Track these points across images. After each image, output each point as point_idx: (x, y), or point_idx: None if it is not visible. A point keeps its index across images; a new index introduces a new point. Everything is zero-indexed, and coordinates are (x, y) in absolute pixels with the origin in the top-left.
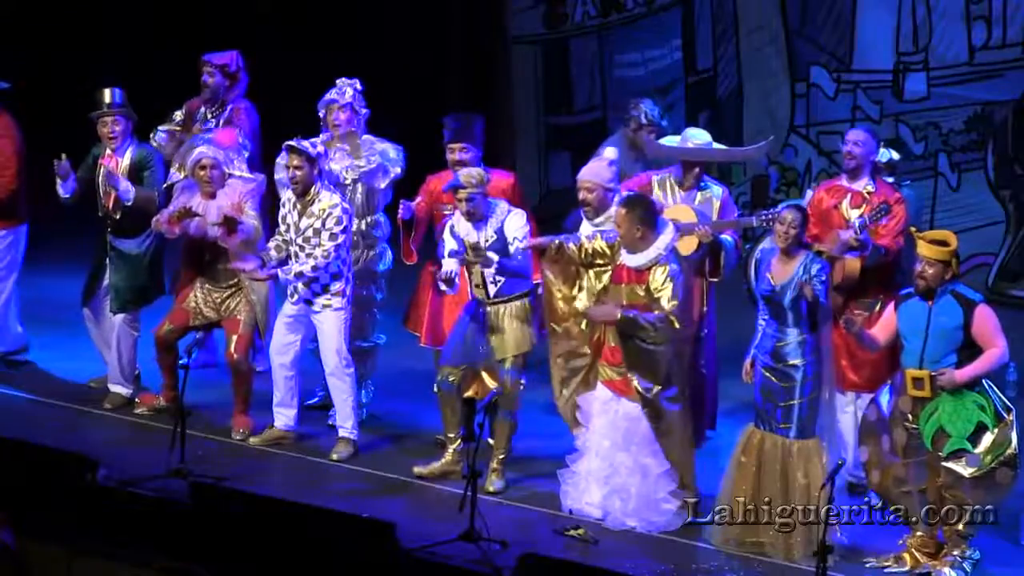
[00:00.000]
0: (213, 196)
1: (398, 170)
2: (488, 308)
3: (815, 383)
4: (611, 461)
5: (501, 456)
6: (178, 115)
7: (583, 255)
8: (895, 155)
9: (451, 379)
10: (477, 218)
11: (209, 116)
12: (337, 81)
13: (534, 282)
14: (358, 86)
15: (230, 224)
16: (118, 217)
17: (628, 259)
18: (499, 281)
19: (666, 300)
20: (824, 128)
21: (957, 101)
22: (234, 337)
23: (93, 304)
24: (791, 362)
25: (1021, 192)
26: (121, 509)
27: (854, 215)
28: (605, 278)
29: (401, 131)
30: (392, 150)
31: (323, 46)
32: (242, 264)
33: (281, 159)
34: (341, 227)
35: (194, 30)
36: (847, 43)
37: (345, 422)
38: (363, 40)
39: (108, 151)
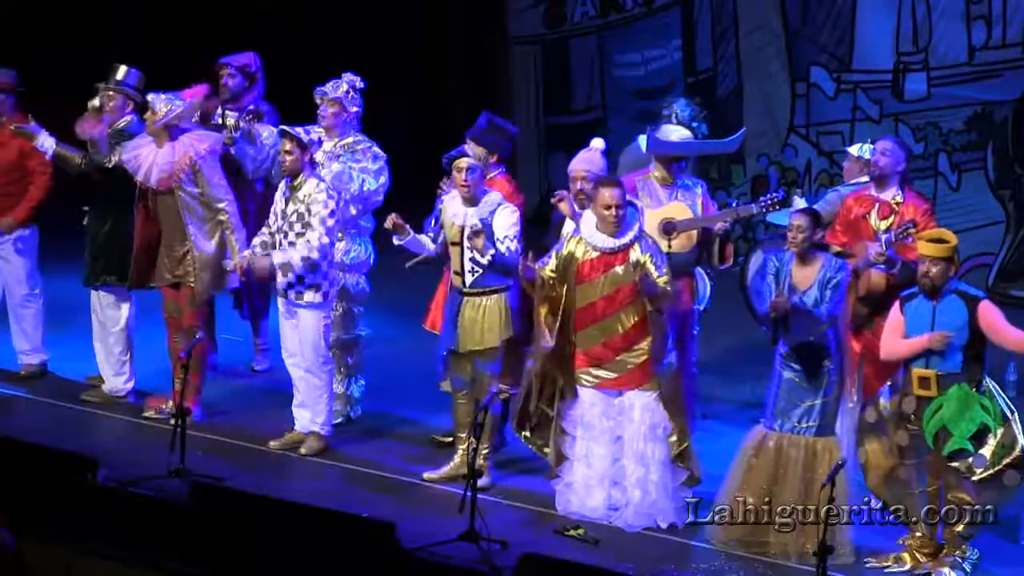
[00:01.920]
0: (161, 145)
1: (371, 185)
2: (464, 298)
3: (838, 382)
4: (624, 459)
5: (485, 451)
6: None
7: (559, 269)
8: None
9: (464, 376)
10: (469, 198)
11: (229, 120)
12: (343, 75)
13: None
14: (358, 84)
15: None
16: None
17: (610, 242)
18: (476, 271)
19: (654, 270)
20: (824, 128)
21: (957, 101)
22: (183, 309)
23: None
24: (818, 362)
25: (1021, 192)
26: (121, 509)
27: (883, 226)
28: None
29: (401, 131)
30: (368, 166)
31: (323, 46)
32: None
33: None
34: (328, 211)
35: (194, 30)
36: (847, 43)
37: (317, 418)
38: (363, 40)
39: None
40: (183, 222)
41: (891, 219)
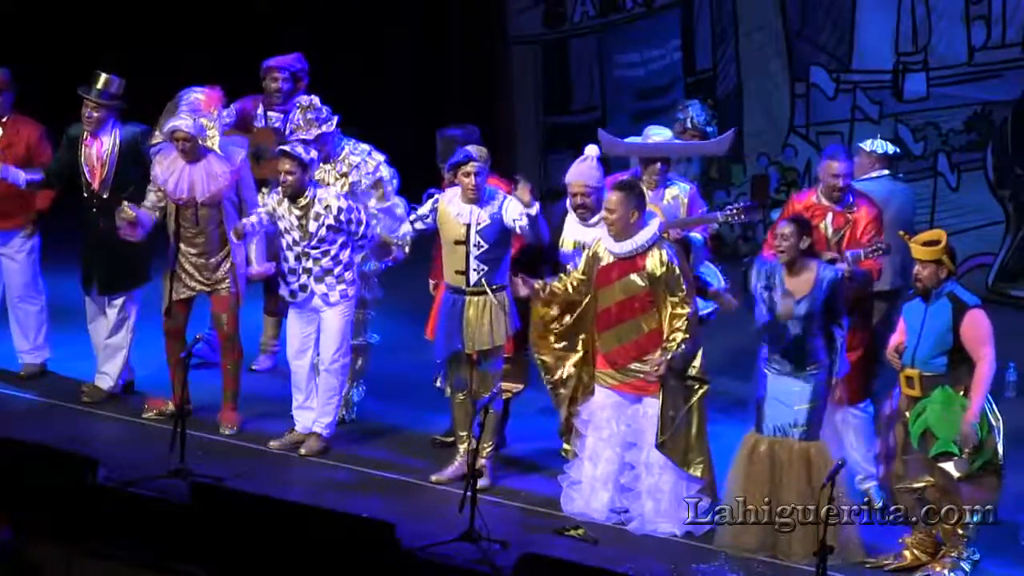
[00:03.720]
0: (195, 161)
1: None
2: (467, 297)
3: (829, 385)
4: (636, 463)
5: (485, 451)
6: (224, 115)
7: (576, 285)
8: (887, 148)
9: (463, 376)
10: (476, 199)
11: (272, 122)
12: (289, 109)
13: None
14: (316, 103)
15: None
16: (105, 197)
17: (617, 247)
18: (482, 270)
19: (679, 289)
20: (824, 128)
21: (957, 101)
22: (224, 316)
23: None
24: (811, 367)
25: (1021, 192)
26: (121, 509)
27: (834, 235)
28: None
29: (401, 132)
30: (384, 176)
31: (323, 46)
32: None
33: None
34: (358, 213)
35: (194, 30)
36: (847, 43)
37: (322, 418)
38: (362, 40)
39: (87, 133)
40: (224, 231)
41: (844, 228)
